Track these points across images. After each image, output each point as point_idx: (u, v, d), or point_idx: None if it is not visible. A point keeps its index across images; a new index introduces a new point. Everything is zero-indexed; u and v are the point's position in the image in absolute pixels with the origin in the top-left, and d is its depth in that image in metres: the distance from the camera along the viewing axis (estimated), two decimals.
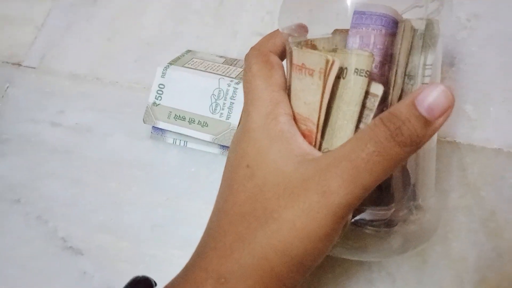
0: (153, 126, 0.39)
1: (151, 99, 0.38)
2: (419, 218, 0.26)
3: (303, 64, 0.24)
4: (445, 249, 0.32)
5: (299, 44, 0.26)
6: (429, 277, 0.32)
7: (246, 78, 0.26)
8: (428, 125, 0.21)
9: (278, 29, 0.28)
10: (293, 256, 0.22)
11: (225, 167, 0.26)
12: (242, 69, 0.39)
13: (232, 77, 0.37)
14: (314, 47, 0.25)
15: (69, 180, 0.41)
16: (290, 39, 0.26)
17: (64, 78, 0.46)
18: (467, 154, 0.34)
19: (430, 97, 0.21)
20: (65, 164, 0.41)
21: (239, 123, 0.33)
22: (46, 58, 0.47)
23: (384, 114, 0.21)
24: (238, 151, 0.25)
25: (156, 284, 0.25)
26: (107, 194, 0.39)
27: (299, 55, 0.25)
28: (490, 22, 0.38)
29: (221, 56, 0.42)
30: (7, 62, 0.48)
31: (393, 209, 0.25)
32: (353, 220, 0.25)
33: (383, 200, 0.25)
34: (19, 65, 0.47)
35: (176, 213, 0.38)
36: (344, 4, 0.24)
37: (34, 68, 0.47)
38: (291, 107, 0.25)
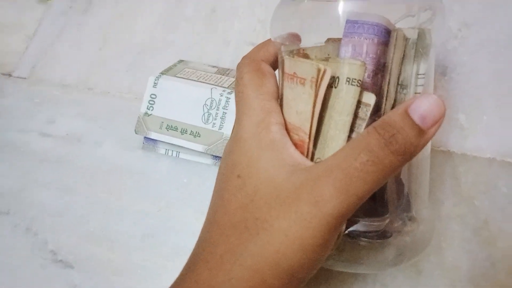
0: (145, 137, 0.38)
1: (143, 109, 0.38)
2: (413, 230, 0.26)
3: (294, 73, 0.24)
4: (439, 259, 0.32)
5: (291, 53, 0.26)
6: (424, 287, 0.31)
7: (237, 88, 0.26)
8: (421, 134, 0.21)
9: (270, 38, 0.28)
10: (285, 267, 0.21)
11: (216, 178, 0.26)
12: (234, 78, 0.39)
13: (225, 87, 0.37)
14: (306, 56, 0.25)
15: (59, 190, 0.40)
16: (282, 48, 0.26)
17: (55, 88, 0.45)
18: (460, 163, 0.34)
19: (423, 106, 0.21)
20: (55, 174, 0.41)
21: (232, 133, 0.32)
22: (37, 68, 0.47)
23: (377, 122, 0.21)
24: (229, 161, 0.25)
25: None
26: (97, 203, 0.39)
27: (291, 64, 0.25)
28: (481, 30, 0.38)
29: (213, 66, 0.42)
30: None
31: (387, 220, 0.25)
32: (346, 231, 0.24)
33: (377, 211, 0.25)
34: (10, 75, 0.47)
35: (167, 223, 0.37)
36: (336, 13, 0.24)
37: (25, 78, 0.46)
38: (283, 117, 0.25)
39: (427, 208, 0.28)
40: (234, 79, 0.39)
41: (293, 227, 0.21)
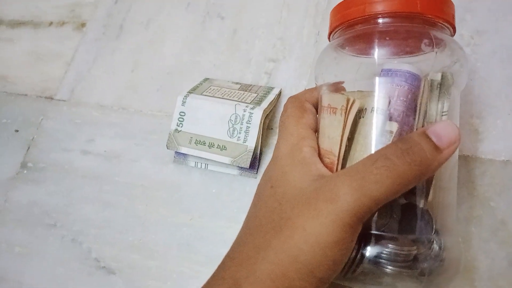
0: (176, 152, 0.42)
1: (173, 126, 0.41)
2: (441, 259, 0.26)
3: (329, 104, 0.28)
4: None
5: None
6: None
7: (281, 118, 0.30)
8: (437, 150, 0.23)
9: (316, 86, 0.32)
10: (303, 262, 0.23)
11: (255, 192, 0.29)
12: (256, 94, 0.41)
13: (248, 103, 0.40)
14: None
15: (100, 204, 0.44)
16: (324, 88, 0.30)
17: (93, 109, 0.49)
18: (475, 166, 0.35)
19: (438, 126, 0.24)
20: (96, 189, 0.44)
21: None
22: (76, 91, 0.51)
23: (397, 139, 0.24)
24: (265, 177, 0.28)
25: None
26: (135, 216, 0.42)
27: (326, 97, 0.29)
28: (493, 37, 0.39)
29: (236, 83, 0.44)
30: (40, 96, 0.52)
31: (415, 251, 0.26)
32: (375, 257, 0.25)
33: (405, 230, 0.26)
34: (52, 98, 0.51)
35: (200, 231, 0.40)
36: (372, 61, 0.28)
37: (65, 101, 0.51)
38: (318, 144, 0.28)
39: (455, 237, 0.28)
40: (256, 94, 0.41)
41: (311, 222, 0.23)
